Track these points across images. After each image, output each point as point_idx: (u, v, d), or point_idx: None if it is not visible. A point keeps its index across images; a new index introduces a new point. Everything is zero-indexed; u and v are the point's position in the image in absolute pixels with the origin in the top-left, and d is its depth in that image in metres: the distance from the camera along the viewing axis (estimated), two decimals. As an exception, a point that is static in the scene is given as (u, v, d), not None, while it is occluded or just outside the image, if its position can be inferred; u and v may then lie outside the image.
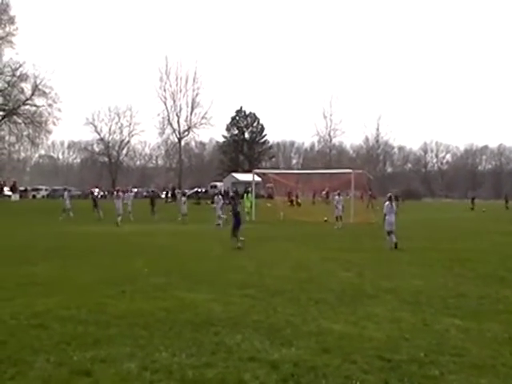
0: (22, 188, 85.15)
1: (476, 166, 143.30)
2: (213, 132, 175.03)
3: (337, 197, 33.37)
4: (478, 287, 12.65)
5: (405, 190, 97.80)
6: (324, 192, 55.91)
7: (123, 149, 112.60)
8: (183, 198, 36.07)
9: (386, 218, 21.12)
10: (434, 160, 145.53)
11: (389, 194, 22.72)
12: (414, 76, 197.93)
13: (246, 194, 40.67)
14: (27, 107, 74.54)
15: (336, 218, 32.40)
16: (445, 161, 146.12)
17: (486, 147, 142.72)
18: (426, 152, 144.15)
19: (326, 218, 35.90)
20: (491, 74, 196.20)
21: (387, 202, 21.54)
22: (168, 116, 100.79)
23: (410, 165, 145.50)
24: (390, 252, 19.53)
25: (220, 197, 33.98)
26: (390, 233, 20.97)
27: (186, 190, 72.42)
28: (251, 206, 38.95)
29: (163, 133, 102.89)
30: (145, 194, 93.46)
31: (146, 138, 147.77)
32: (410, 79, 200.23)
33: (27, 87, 74.43)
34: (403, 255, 18.64)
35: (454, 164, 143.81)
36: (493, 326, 8.95)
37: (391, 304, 10.64)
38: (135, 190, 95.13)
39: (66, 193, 40.45)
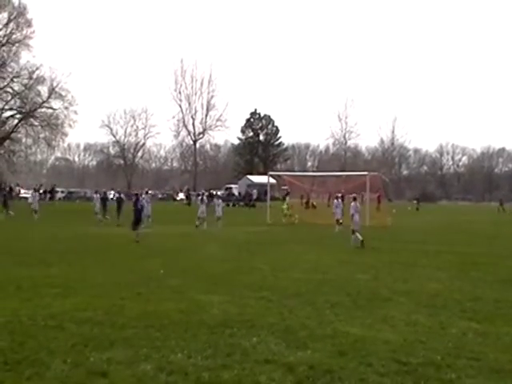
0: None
1: (493, 169, 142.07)
2: (228, 134, 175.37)
3: (335, 200, 32.74)
4: (495, 291, 12.56)
5: (421, 192, 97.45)
6: (339, 195, 55.61)
7: (138, 151, 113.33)
8: (218, 201, 35.01)
9: (354, 217, 22.43)
10: (450, 162, 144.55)
11: (353, 195, 24.42)
12: (430, 78, 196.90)
13: (284, 198, 41.04)
14: (44, 110, 75.34)
15: (336, 222, 31.82)
16: (461, 163, 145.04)
17: (502, 149, 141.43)
18: (441, 154, 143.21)
19: (341, 221, 35.79)
20: (509, 76, 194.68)
21: (353, 203, 23.14)
22: (183, 118, 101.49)
23: (425, 167, 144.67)
24: (405, 255, 19.42)
25: (204, 198, 33.67)
26: (355, 231, 22.13)
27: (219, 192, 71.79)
28: (288, 209, 39.22)
29: (178, 135, 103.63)
30: (160, 196, 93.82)
31: (162, 140, 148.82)
32: (425, 81, 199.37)
33: (44, 90, 75.26)
34: (419, 258, 18.54)
35: (471, 166, 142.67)
36: (510, 330, 8.88)
37: (407, 307, 10.59)
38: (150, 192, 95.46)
39: (34, 193, 39.17)
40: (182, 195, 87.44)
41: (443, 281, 13.87)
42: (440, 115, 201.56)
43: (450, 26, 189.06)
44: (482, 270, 16.04)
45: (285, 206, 39.45)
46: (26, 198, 71.76)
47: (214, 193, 68.50)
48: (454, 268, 16.36)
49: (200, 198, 34.48)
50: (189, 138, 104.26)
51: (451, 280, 14.05)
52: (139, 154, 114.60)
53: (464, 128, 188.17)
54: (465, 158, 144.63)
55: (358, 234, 22.08)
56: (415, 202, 71.44)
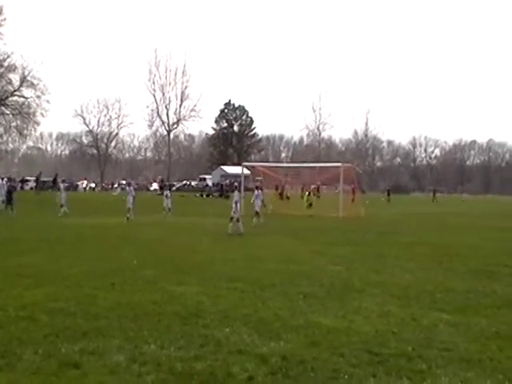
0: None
1: (465, 161, 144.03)
2: (202, 125, 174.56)
3: (256, 191, 29.84)
4: (466, 282, 12.72)
5: (394, 184, 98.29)
6: (313, 186, 55.83)
7: (112, 141, 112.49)
8: (166, 192, 35.85)
9: (238, 205, 23.85)
10: (423, 154, 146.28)
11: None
12: (403, 70, 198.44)
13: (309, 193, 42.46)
14: (15, 98, 74.27)
15: (255, 214, 28.71)
16: (433, 155, 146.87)
17: (474, 142, 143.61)
18: (414, 146, 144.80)
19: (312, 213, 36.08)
20: (480, 70, 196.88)
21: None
22: (157, 108, 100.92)
23: (398, 159, 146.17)
24: (378, 246, 19.57)
25: (131, 188, 33.44)
26: (238, 220, 23.36)
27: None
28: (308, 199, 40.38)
29: (152, 125, 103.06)
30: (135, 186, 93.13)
31: (135, 130, 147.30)
32: (399, 73, 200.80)
33: (15, 78, 74.18)
34: (392, 249, 18.69)
35: (443, 159, 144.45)
36: (480, 321, 9.01)
37: (380, 298, 10.67)
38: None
39: None
40: (155, 185, 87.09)
41: (415, 272, 14.00)
42: (413, 108, 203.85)
43: (424, 20, 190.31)
44: (454, 260, 16.24)
45: (305, 198, 39.97)
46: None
47: (165, 184, 68.16)
48: (426, 259, 16.52)
49: (129, 188, 33.60)
50: (163, 128, 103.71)
51: (423, 271, 14.19)
52: (112, 143, 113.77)
53: (437, 121, 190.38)
54: (437, 151, 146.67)
55: (240, 224, 23.10)
56: (386, 193, 71.98)
